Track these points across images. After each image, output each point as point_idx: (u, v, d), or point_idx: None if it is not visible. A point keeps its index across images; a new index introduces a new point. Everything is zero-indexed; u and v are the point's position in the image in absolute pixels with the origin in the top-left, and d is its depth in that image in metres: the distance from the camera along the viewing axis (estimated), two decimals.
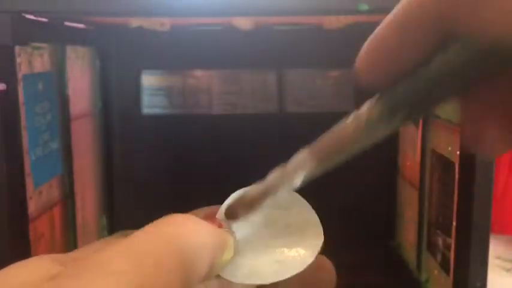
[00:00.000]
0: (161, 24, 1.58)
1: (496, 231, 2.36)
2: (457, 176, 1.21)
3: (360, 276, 1.66)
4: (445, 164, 1.31)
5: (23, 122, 1.24)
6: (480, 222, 1.13)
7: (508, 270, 1.95)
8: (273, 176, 0.55)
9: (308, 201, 0.63)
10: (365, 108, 0.46)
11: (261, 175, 1.93)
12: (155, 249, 0.40)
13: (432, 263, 1.41)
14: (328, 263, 0.57)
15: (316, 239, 0.54)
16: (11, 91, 1.14)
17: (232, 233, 0.54)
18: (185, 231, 0.44)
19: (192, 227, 0.45)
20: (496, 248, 2.12)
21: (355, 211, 1.84)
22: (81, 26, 1.63)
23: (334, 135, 0.50)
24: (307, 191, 1.92)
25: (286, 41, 1.77)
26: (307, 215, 0.57)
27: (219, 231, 0.50)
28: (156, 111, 1.82)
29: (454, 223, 1.23)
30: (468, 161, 1.13)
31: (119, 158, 1.84)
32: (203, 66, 1.82)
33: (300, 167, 0.52)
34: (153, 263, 0.39)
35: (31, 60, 1.30)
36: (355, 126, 0.47)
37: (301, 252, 0.53)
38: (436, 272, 1.38)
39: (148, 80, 1.81)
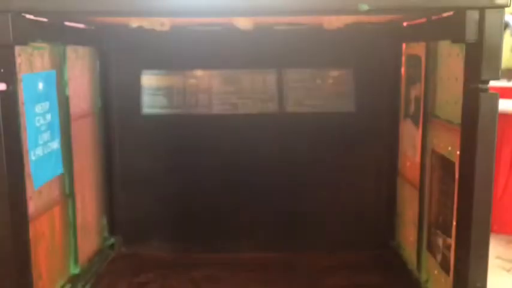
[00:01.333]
0: (161, 24, 1.58)
1: (496, 231, 2.36)
2: (457, 175, 1.21)
3: (360, 276, 1.66)
4: (445, 163, 1.31)
5: (23, 122, 1.24)
6: (480, 222, 1.13)
7: (508, 270, 1.95)
8: None
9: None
10: None
11: (260, 174, 1.93)
12: None
13: (432, 263, 1.41)
14: None
15: None
16: (11, 91, 1.14)
17: None
18: None
19: None
20: (496, 248, 2.13)
21: (355, 211, 1.85)
22: (81, 26, 1.64)
23: None
24: (308, 192, 1.91)
25: (286, 41, 1.77)
26: None
27: None
28: (156, 111, 1.82)
29: (454, 223, 1.23)
30: (468, 160, 1.13)
31: (119, 158, 1.84)
32: (203, 66, 1.82)
33: None
34: None
35: (31, 60, 1.30)
36: None
37: None
38: (436, 272, 1.38)
39: (148, 80, 1.81)
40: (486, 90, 1.10)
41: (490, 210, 1.13)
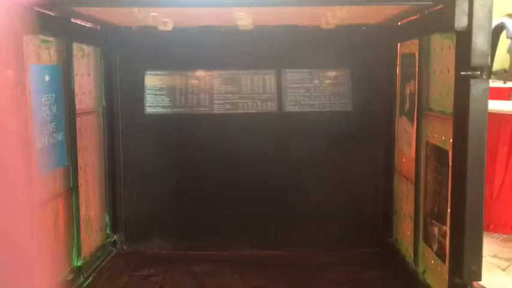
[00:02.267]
0: (164, 23, 1.63)
1: (492, 230, 2.38)
2: (450, 163, 1.24)
3: (359, 271, 1.68)
4: (439, 153, 1.34)
5: (29, 110, 1.28)
6: (473, 206, 1.15)
7: (504, 269, 1.96)
8: None
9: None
10: None
11: (260, 172, 1.95)
12: None
13: (428, 253, 1.43)
14: None
15: None
16: (18, 78, 1.17)
17: None
18: None
19: None
20: (492, 247, 2.14)
21: (353, 209, 1.87)
22: (87, 24, 1.69)
23: None
24: (306, 190, 1.93)
25: (285, 43, 1.82)
26: None
27: None
28: (159, 110, 1.86)
29: (449, 210, 1.26)
30: (460, 145, 1.16)
31: (122, 156, 1.87)
32: (204, 67, 1.87)
33: None
34: None
35: (38, 52, 1.34)
36: None
37: None
38: (432, 261, 1.40)
39: (151, 80, 1.86)
40: (476, 76, 1.14)
41: (482, 194, 1.15)
